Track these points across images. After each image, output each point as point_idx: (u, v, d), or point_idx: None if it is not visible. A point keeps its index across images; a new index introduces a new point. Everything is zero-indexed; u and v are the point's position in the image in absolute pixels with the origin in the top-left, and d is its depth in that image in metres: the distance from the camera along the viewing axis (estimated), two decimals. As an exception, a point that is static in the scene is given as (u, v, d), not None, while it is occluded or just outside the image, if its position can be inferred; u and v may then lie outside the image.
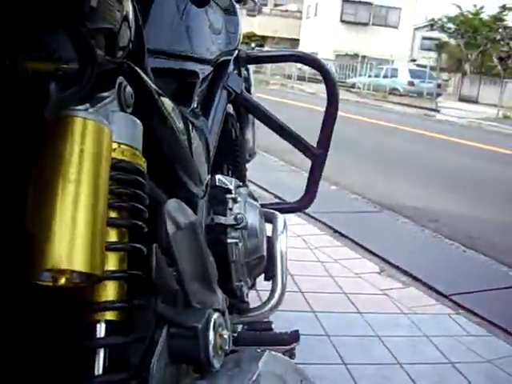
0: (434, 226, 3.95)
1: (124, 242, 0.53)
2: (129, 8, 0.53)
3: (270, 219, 1.42)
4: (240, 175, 1.53)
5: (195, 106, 1.07)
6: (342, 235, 3.48)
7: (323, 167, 1.56)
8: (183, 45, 1.04)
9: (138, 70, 0.61)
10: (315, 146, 1.55)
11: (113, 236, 0.52)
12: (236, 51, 1.40)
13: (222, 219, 1.15)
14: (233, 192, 1.19)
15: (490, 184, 6.01)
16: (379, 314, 2.37)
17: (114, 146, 0.53)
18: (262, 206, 1.60)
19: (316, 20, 34.90)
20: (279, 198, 4.10)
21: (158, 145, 0.73)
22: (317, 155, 1.53)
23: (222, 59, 1.26)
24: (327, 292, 2.54)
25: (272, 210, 1.47)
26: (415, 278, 2.86)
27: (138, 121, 0.57)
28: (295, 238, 3.24)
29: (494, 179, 6.29)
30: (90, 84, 0.46)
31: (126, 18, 0.52)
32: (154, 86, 0.67)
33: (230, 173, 1.41)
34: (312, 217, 3.79)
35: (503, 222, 4.39)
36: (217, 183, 1.19)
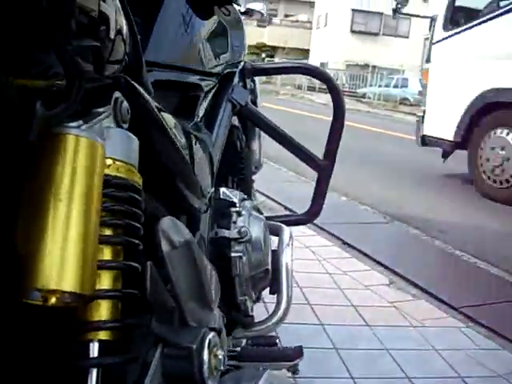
0: (444, 237, 3.92)
1: (118, 261, 0.53)
2: (122, 22, 0.53)
3: (275, 232, 1.41)
4: (246, 187, 1.52)
5: (199, 119, 1.06)
6: (351, 246, 3.45)
7: (330, 179, 1.55)
8: (187, 58, 1.04)
9: (135, 85, 0.61)
10: (321, 157, 1.54)
11: (107, 254, 0.51)
12: (241, 63, 1.40)
13: (225, 233, 1.14)
14: (237, 205, 1.19)
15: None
16: (388, 326, 2.34)
17: (109, 162, 0.53)
18: (268, 218, 1.59)
19: (326, 30, 34.99)
20: (289, 209, 4.09)
21: (158, 159, 0.73)
22: (323, 167, 1.52)
23: (226, 72, 1.27)
24: (336, 304, 2.52)
25: (278, 223, 1.46)
26: (424, 290, 2.83)
27: (134, 137, 0.57)
28: (303, 250, 3.23)
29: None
30: (77, 101, 0.46)
31: (119, 32, 0.52)
32: (152, 100, 0.67)
33: (235, 185, 1.41)
34: (321, 228, 3.77)
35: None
36: (221, 196, 1.19)
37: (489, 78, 5.23)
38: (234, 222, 1.16)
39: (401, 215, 4.41)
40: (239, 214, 1.17)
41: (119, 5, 0.53)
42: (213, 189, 1.12)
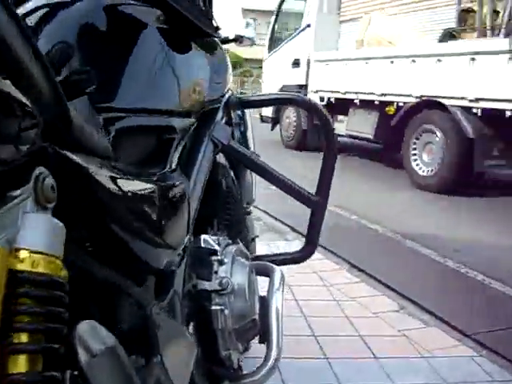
0: (458, 257, 3.82)
1: (34, 372, 0.46)
2: (34, 72, 0.46)
3: (266, 273, 1.35)
4: (235, 226, 1.46)
5: (173, 164, 1.00)
6: (360, 270, 3.37)
7: (323, 215, 1.49)
8: (157, 99, 0.97)
9: (63, 152, 0.54)
10: (314, 193, 1.48)
11: (21, 365, 0.45)
12: (225, 97, 1.33)
13: (205, 284, 1.08)
14: (219, 253, 1.12)
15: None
16: (396, 358, 2.25)
17: (24, 254, 0.47)
18: (259, 257, 1.52)
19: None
20: (293, 229, 4.01)
21: (107, 222, 0.67)
22: (316, 203, 1.46)
23: (207, 108, 1.20)
24: (342, 335, 2.43)
25: (268, 263, 1.39)
26: (435, 316, 2.74)
27: (58, 221, 0.50)
28: (310, 275, 3.16)
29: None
30: None
31: (31, 87, 0.45)
32: (92, 159, 0.61)
33: (221, 227, 1.34)
34: (329, 250, 3.69)
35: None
36: (201, 244, 1.13)
37: (282, 78, 9.65)
38: (216, 272, 1.10)
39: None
40: (221, 262, 1.11)
41: (31, 50, 0.46)
42: (190, 237, 1.05)
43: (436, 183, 6.23)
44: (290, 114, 9.53)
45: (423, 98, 6.61)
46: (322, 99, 8.60)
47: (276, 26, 10.31)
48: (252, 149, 1.70)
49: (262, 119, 10.34)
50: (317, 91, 8.85)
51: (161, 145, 0.98)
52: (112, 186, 0.66)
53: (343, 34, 9.62)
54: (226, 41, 1.84)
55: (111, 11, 0.94)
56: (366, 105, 7.70)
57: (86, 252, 0.64)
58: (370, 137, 7.67)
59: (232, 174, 1.47)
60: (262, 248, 3.67)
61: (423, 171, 6.52)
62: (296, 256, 1.54)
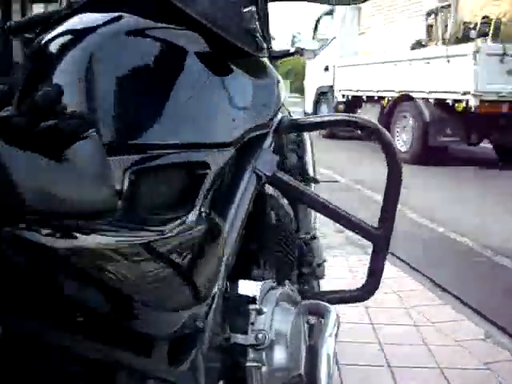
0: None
1: None
2: None
3: (318, 313, 1.23)
4: (289, 263, 1.34)
5: (205, 204, 0.89)
6: (445, 291, 3.15)
7: (387, 250, 1.33)
8: (183, 131, 0.86)
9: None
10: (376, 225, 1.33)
11: None
12: (274, 120, 1.20)
13: (239, 338, 0.97)
14: (257, 301, 1.01)
15: None
16: (480, 396, 2.05)
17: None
18: (311, 296, 1.39)
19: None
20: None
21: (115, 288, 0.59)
22: (378, 236, 1.30)
23: (250, 136, 1.07)
24: (420, 366, 2.25)
25: (322, 302, 1.27)
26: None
27: None
28: (389, 295, 2.98)
29: None
30: None
31: None
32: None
33: (268, 265, 1.22)
34: (412, 267, 3.50)
35: None
36: (238, 290, 1.02)
37: (318, 80, 12.25)
38: (252, 324, 0.99)
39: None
40: (259, 311, 1.00)
41: None
42: (224, 283, 0.95)
43: (410, 158, 8.28)
44: (325, 110, 12.05)
45: (401, 93, 9.07)
46: (343, 96, 11.28)
47: (315, 38, 11.82)
48: (311, 174, 1.58)
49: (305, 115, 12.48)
50: (340, 90, 11.38)
51: (186, 184, 0.87)
52: (100, 252, 0.58)
53: (360, 43, 11.86)
54: (286, 54, 1.74)
55: (137, 35, 0.87)
56: (371, 100, 10.18)
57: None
58: None
59: (285, 203, 1.35)
60: (341, 263, 3.54)
61: (403, 148, 8.66)
62: (355, 295, 1.40)
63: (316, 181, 1.59)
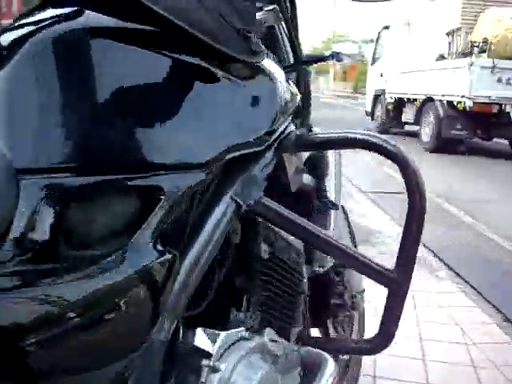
0: None
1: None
2: None
3: (315, 364, 1.03)
4: (279, 307, 1.12)
5: (154, 234, 0.71)
6: (515, 324, 2.80)
7: (405, 298, 1.09)
8: (132, 150, 0.70)
9: None
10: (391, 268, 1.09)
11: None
12: (271, 138, 0.99)
13: None
14: (213, 356, 0.82)
15: None
16: None
17: None
18: (314, 342, 1.19)
19: None
20: (448, 267, 3.50)
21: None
22: (394, 281, 1.07)
23: (229, 156, 0.88)
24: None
25: (321, 352, 1.07)
26: None
27: None
28: (451, 327, 2.67)
29: None
30: None
31: None
32: None
33: (250, 307, 1.02)
34: (482, 296, 3.16)
35: None
36: (191, 341, 0.84)
37: (375, 85, 14.35)
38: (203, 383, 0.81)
39: None
40: (214, 369, 0.81)
41: None
42: (179, 330, 0.78)
43: (430, 146, 10.59)
44: (379, 109, 14.11)
45: (427, 96, 11.17)
46: (391, 98, 13.18)
47: (377, 48, 14.64)
48: (331, 198, 1.37)
49: (366, 113, 15.02)
50: (389, 93, 13.30)
51: (127, 212, 0.71)
52: None
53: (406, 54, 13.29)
54: (321, 59, 1.56)
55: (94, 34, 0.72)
56: (409, 101, 12.30)
57: None
58: (412, 121, 12.09)
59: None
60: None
61: (426, 139, 10.95)
62: (363, 347, 1.17)
63: (335, 206, 1.37)
